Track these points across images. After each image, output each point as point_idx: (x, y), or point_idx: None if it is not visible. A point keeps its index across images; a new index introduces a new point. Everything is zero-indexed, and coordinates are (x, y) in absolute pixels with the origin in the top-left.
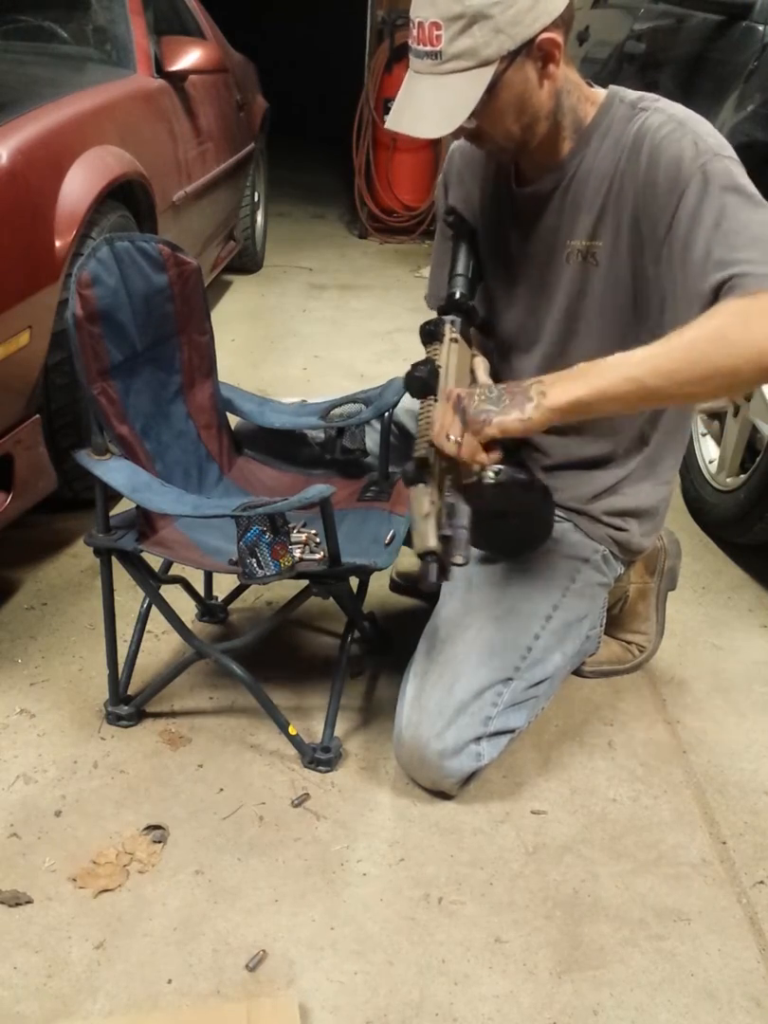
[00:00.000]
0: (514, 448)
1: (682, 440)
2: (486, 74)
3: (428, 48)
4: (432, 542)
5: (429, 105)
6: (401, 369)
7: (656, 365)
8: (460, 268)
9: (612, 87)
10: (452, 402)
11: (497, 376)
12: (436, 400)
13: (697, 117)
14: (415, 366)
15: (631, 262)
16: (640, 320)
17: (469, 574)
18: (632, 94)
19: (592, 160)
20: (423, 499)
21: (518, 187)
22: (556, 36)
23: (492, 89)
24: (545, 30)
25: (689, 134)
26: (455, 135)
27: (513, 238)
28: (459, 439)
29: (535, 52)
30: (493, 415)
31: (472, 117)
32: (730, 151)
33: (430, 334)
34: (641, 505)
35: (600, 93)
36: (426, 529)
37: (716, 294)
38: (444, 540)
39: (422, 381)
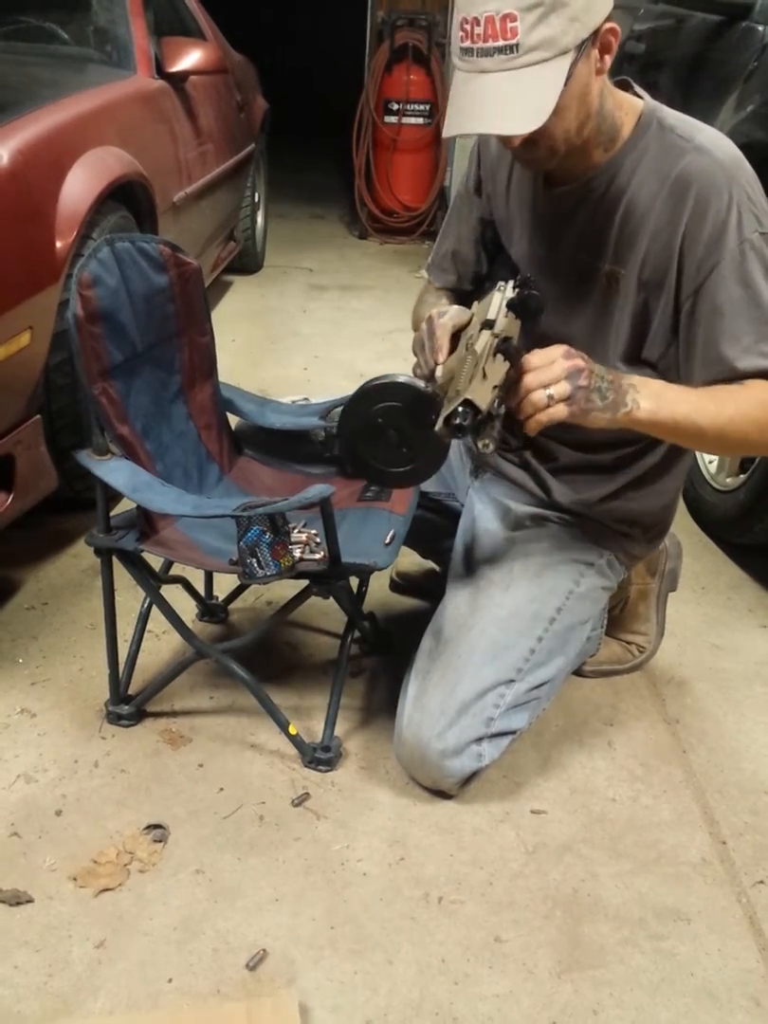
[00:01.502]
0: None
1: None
2: (565, 64)
3: (501, 42)
4: (484, 403)
5: (508, 100)
6: (401, 369)
7: (720, 426)
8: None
9: (648, 102)
10: (570, 363)
11: None
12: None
13: (741, 159)
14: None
15: (644, 295)
16: (637, 350)
17: (474, 574)
18: (670, 115)
19: (625, 181)
20: (501, 372)
21: (546, 187)
22: (616, 26)
23: (566, 81)
24: (606, 19)
25: (736, 192)
26: (506, 142)
27: (537, 241)
28: (553, 401)
29: (598, 42)
30: (595, 411)
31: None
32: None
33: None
34: (647, 510)
35: (633, 102)
36: (488, 392)
37: (757, 375)
38: (487, 417)
39: (542, 307)
